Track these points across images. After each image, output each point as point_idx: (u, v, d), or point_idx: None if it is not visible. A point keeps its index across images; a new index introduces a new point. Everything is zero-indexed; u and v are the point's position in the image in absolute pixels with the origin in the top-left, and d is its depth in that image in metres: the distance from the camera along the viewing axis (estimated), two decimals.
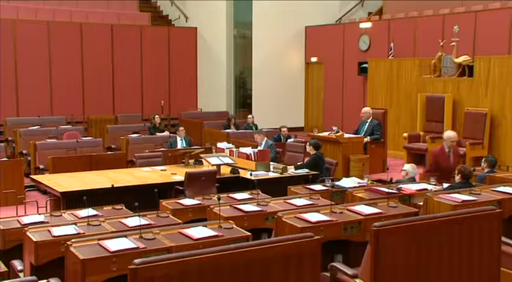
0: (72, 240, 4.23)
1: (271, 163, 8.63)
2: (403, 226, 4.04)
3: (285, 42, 16.55)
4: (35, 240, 4.47)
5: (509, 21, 11.86)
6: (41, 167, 9.68)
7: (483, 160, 8.03)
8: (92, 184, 7.51)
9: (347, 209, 5.38)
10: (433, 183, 7.10)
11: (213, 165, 8.31)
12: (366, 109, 11.28)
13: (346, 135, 10.53)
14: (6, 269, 4.22)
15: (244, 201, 5.96)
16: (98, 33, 15.46)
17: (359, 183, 7.30)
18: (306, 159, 9.10)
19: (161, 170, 8.50)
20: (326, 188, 6.82)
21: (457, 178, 6.56)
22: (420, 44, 13.49)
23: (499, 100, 11.09)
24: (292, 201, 5.91)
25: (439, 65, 12.21)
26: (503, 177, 7.29)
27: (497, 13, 12.28)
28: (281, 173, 8.22)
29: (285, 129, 11.71)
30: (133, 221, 4.93)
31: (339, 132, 10.55)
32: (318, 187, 6.86)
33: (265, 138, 9.71)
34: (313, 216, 5.03)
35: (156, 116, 12.77)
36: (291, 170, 8.42)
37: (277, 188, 7.09)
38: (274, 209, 5.59)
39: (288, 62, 16.73)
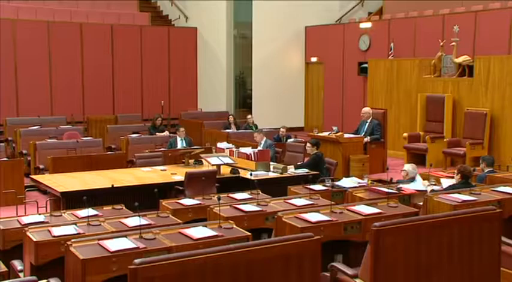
0: (72, 240, 4.23)
1: (271, 163, 8.64)
2: (403, 226, 4.04)
3: (285, 42, 16.55)
4: (35, 240, 4.47)
5: (509, 21, 11.86)
6: (41, 167, 9.67)
7: (480, 160, 8.04)
8: (92, 184, 7.51)
9: (347, 209, 5.38)
10: (433, 183, 7.11)
11: (213, 165, 8.31)
12: (366, 109, 11.28)
13: (346, 135, 10.53)
14: (6, 269, 4.22)
15: (244, 201, 5.96)
16: (98, 33, 15.45)
17: (359, 183, 7.30)
18: (306, 159, 9.10)
19: (161, 170, 8.50)
20: (326, 188, 6.83)
21: (457, 178, 6.56)
22: (420, 44, 13.49)
23: (499, 100, 11.09)
24: (292, 201, 5.91)
25: (439, 65, 12.20)
26: (503, 177, 7.29)
27: (497, 13, 12.27)
28: (281, 173, 8.22)
29: (283, 129, 11.72)
30: (133, 221, 4.93)
31: (339, 132, 10.55)
32: (318, 187, 6.86)
33: (265, 138, 9.73)
34: (313, 216, 5.03)
35: (159, 118, 12.72)
36: (291, 170, 8.42)
37: (277, 188, 7.10)
38: (274, 209, 5.59)
39: (288, 62, 16.73)
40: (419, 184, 6.99)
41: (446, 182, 6.91)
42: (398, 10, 14.96)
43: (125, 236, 4.38)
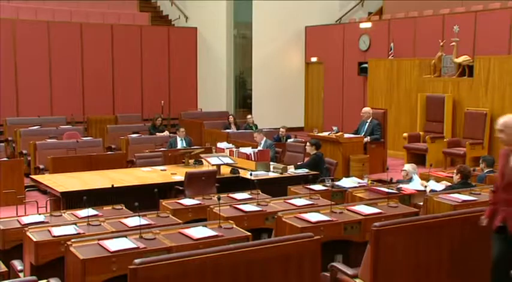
0: (72, 240, 4.23)
1: (271, 163, 8.63)
2: (403, 226, 4.04)
3: (285, 42, 16.55)
4: (35, 240, 4.47)
5: (509, 21, 11.85)
6: (41, 167, 9.67)
7: (481, 160, 8.04)
8: (92, 184, 7.50)
9: (347, 209, 5.38)
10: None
11: (213, 165, 8.30)
12: (366, 109, 11.28)
13: (346, 135, 10.54)
14: (6, 269, 4.22)
15: (244, 201, 5.96)
16: (98, 33, 15.44)
17: (359, 183, 7.29)
18: (306, 159, 9.10)
19: (161, 170, 8.49)
20: (326, 188, 6.82)
21: (456, 178, 6.56)
22: (420, 44, 13.49)
23: (499, 100, 11.09)
24: (292, 201, 5.91)
25: (439, 65, 12.21)
26: None
27: (497, 13, 12.27)
28: (281, 173, 8.22)
29: (283, 129, 11.71)
30: (134, 221, 4.93)
31: (338, 132, 10.55)
32: (318, 187, 6.86)
33: (264, 138, 9.73)
34: (313, 216, 5.03)
35: (159, 118, 12.72)
36: (291, 170, 8.42)
37: (277, 188, 7.10)
38: (274, 209, 5.60)
39: (288, 62, 16.73)
40: (417, 184, 6.99)
41: (433, 185, 6.83)
42: (398, 10, 14.96)
43: (125, 236, 4.38)
